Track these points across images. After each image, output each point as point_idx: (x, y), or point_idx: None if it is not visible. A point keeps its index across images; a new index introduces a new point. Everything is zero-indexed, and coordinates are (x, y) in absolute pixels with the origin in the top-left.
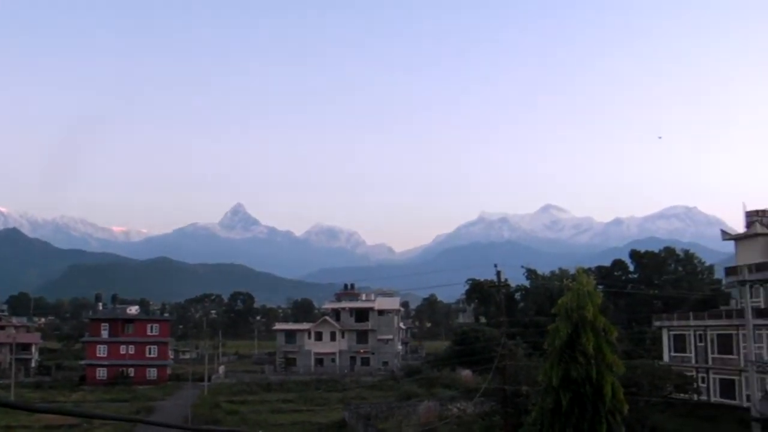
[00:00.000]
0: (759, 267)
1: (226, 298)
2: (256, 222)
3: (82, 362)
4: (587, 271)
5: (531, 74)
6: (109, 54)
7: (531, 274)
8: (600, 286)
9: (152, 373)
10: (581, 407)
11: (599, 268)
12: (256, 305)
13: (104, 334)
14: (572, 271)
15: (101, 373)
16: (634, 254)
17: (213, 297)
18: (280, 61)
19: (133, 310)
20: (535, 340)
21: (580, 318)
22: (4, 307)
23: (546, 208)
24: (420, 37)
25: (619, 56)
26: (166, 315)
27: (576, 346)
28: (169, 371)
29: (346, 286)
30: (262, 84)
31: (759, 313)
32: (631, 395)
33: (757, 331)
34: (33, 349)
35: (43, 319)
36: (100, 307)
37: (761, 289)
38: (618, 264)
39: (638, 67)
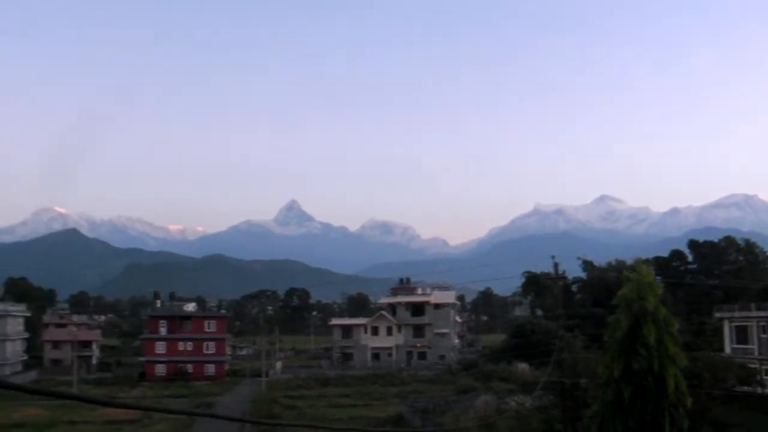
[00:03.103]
0: None
1: (282, 294)
2: (310, 218)
3: (142, 359)
4: (646, 262)
5: (583, 64)
6: (159, 53)
7: (587, 265)
8: (658, 277)
9: (210, 369)
10: (643, 400)
11: (657, 259)
12: (311, 301)
13: (162, 331)
14: (629, 262)
15: (160, 370)
16: (693, 244)
17: (269, 293)
18: (334, 54)
19: (191, 307)
20: (593, 332)
21: (640, 309)
22: (65, 305)
23: (601, 199)
24: (469, 30)
25: (686, 44)
26: (223, 312)
27: (637, 337)
28: (226, 367)
29: (401, 280)
30: (315, 78)
31: None
32: (693, 388)
33: None
34: (94, 346)
35: (102, 317)
36: (158, 305)
37: None
38: (676, 254)
39: (696, 57)
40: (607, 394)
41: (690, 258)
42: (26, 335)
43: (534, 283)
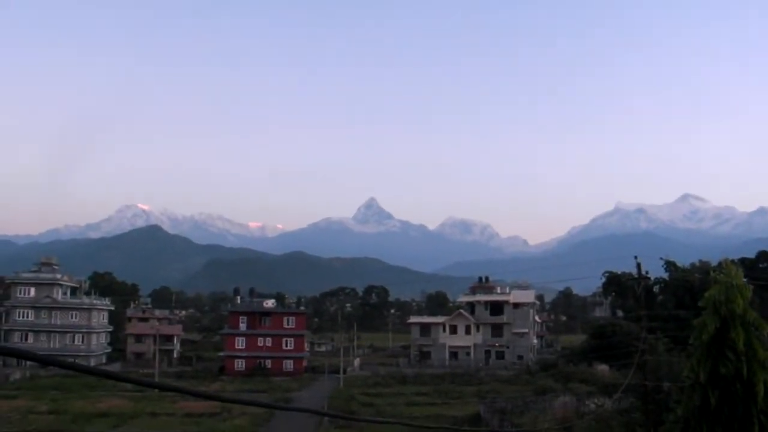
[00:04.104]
0: None
1: (360, 291)
2: (389, 216)
3: (222, 353)
4: (733, 263)
5: (667, 60)
6: (239, 54)
7: (670, 266)
8: (744, 279)
9: (289, 365)
10: (731, 406)
11: (743, 260)
12: (390, 299)
13: (242, 326)
14: (714, 263)
15: (240, 365)
16: None
17: (348, 290)
18: (416, 55)
19: (270, 303)
20: (676, 335)
21: (728, 312)
22: (148, 300)
23: (684, 198)
24: (551, 32)
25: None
26: (302, 308)
27: (724, 341)
28: (305, 363)
29: (480, 279)
30: (395, 78)
31: None
32: None
33: None
34: (175, 340)
35: (183, 312)
36: (238, 301)
37: None
38: (764, 255)
39: None
40: (693, 399)
41: None
42: (110, 328)
43: (615, 284)
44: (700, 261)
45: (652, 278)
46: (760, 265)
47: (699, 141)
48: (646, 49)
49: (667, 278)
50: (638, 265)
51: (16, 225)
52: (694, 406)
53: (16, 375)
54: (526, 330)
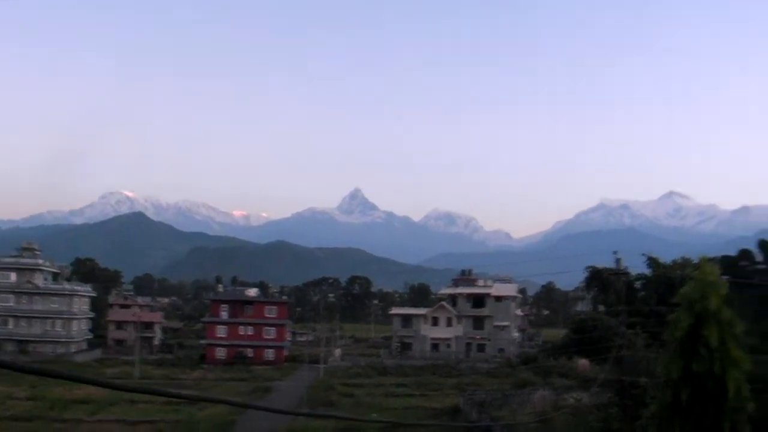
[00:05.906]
0: None
1: (343, 282)
2: (374, 207)
3: (203, 342)
4: (711, 261)
5: (649, 57)
6: (225, 44)
7: (652, 262)
8: (724, 277)
9: (270, 354)
10: (702, 403)
11: (724, 258)
12: (373, 289)
13: (224, 315)
14: (695, 260)
15: (221, 353)
16: (763, 244)
17: (331, 280)
18: (397, 49)
19: (253, 292)
20: (655, 331)
21: (702, 309)
22: (130, 287)
23: (669, 195)
24: (533, 28)
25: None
26: (285, 297)
27: (698, 338)
28: (286, 353)
29: (463, 271)
30: (381, 68)
31: None
32: (758, 393)
33: None
34: (156, 327)
35: (166, 300)
36: (221, 289)
37: None
38: (744, 254)
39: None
40: (665, 396)
41: (760, 258)
42: (92, 315)
43: (597, 279)
44: (683, 258)
45: (634, 274)
46: (741, 264)
47: (684, 139)
48: (630, 47)
49: (649, 274)
50: (617, 261)
51: None
52: (666, 403)
53: None
54: (508, 323)
